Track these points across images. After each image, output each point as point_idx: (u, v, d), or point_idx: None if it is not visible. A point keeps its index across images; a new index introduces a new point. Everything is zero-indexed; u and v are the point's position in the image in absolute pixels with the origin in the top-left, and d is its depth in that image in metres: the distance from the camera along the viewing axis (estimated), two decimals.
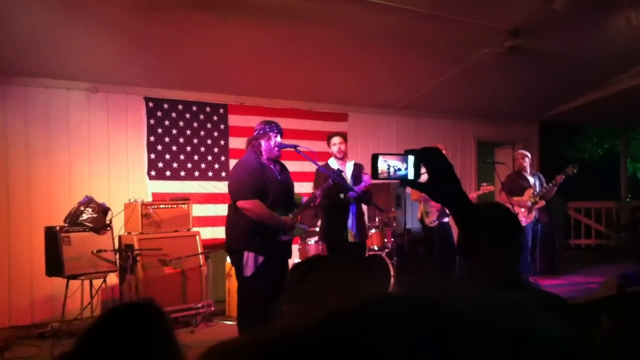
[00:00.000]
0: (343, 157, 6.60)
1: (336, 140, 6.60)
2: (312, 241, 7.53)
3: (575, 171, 8.24)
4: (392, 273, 7.44)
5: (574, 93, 11.01)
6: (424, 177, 1.56)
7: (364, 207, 6.88)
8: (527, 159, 8.86)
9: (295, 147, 5.63)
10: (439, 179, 1.53)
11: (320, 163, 6.31)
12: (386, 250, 7.78)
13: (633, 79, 10.16)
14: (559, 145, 15.73)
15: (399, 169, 1.58)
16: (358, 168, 6.66)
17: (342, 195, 6.35)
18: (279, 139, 5.46)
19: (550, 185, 8.48)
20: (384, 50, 8.12)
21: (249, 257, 5.22)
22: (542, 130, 12.49)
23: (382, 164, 1.59)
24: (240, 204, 5.26)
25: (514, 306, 0.59)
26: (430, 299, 0.58)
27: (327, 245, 6.67)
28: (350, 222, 6.45)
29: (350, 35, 7.55)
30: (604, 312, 3.95)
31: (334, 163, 6.57)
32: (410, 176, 1.58)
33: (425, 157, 1.55)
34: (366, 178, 6.52)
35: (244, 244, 5.26)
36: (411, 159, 1.58)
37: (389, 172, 1.59)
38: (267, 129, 5.43)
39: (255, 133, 5.49)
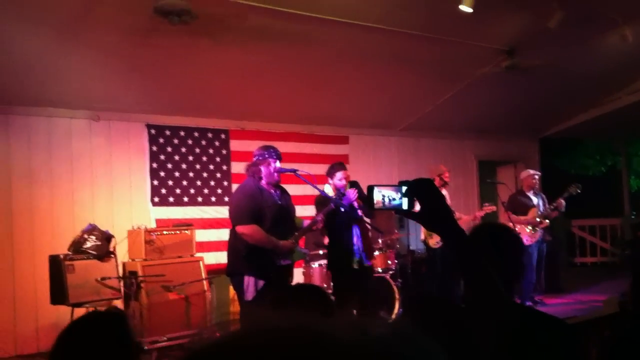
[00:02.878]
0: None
1: (341, 175, 6.36)
2: (316, 264, 7.52)
3: (579, 191, 8.30)
4: (396, 295, 7.45)
5: (574, 110, 11.06)
6: (418, 206, 1.63)
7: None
8: (536, 177, 8.91)
9: (294, 171, 5.66)
10: (431, 208, 1.60)
11: (320, 186, 6.24)
12: (390, 272, 7.77)
13: (632, 95, 10.21)
14: (561, 162, 15.72)
15: (394, 199, 1.68)
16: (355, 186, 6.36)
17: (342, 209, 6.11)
18: (278, 164, 5.49)
19: (554, 205, 8.54)
20: (383, 72, 8.18)
21: (249, 282, 5.24)
22: (542, 148, 12.51)
23: (377, 195, 1.68)
24: (239, 229, 5.30)
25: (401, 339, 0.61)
26: (316, 330, 0.60)
27: (332, 274, 6.62)
28: (355, 245, 6.28)
29: (349, 57, 7.62)
30: (607, 330, 3.95)
31: (329, 190, 6.38)
32: (404, 206, 1.67)
33: (416, 188, 1.62)
34: (350, 193, 6.15)
35: (243, 268, 5.29)
36: (404, 189, 1.67)
37: (384, 202, 1.68)
38: (266, 155, 5.46)
39: (254, 159, 5.53)
